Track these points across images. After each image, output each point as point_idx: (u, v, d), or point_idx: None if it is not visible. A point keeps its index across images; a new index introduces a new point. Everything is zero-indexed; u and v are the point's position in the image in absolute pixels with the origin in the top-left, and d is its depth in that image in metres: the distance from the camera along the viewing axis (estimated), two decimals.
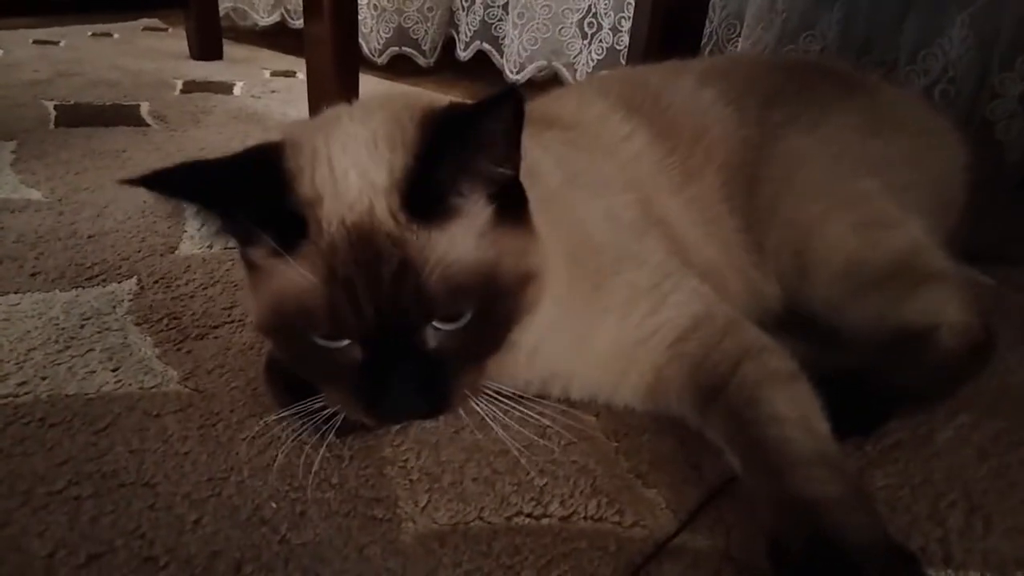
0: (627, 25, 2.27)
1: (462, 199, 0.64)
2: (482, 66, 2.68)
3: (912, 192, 0.98)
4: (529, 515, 0.72)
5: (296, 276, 0.62)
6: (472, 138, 0.61)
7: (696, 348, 0.80)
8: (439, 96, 0.73)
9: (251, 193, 0.62)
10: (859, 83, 1.13)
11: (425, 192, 0.62)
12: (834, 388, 0.80)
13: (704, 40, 1.97)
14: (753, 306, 0.96)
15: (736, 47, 2.04)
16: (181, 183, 0.62)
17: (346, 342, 0.64)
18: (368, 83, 2.13)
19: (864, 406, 0.84)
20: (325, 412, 0.72)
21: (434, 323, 0.64)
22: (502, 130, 0.62)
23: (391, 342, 0.63)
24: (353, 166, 0.63)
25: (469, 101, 0.75)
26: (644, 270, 0.85)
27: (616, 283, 0.83)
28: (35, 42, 3.00)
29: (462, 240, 0.64)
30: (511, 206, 0.69)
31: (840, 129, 1.02)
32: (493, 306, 0.67)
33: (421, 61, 2.81)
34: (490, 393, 0.74)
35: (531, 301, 0.71)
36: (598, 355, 0.82)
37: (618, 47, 2.32)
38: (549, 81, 2.55)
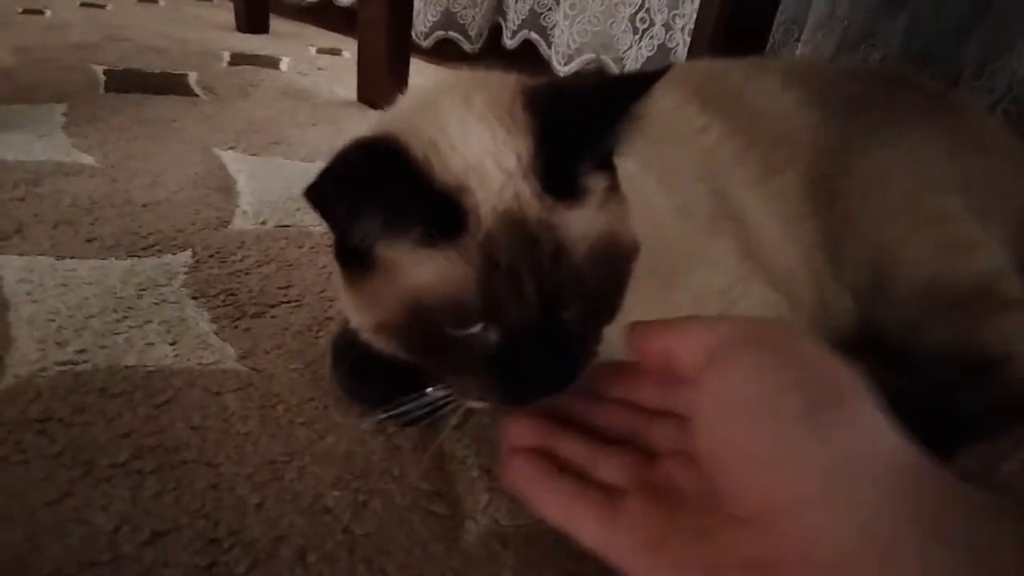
0: (680, 23, 2.25)
1: (587, 174, 0.63)
2: (527, 55, 2.65)
3: (993, 216, 0.96)
4: None
5: (447, 267, 0.58)
6: (598, 113, 0.61)
7: None
8: (514, 76, 0.70)
9: (393, 182, 0.58)
10: (944, 100, 1.10)
11: (559, 173, 0.61)
12: (900, 411, 0.78)
13: None
14: (824, 321, 0.94)
15: (794, 52, 2.00)
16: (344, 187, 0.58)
17: (479, 327, 0.60)
18: (413, 66, 2.11)
19: (931, 432, 0.81)
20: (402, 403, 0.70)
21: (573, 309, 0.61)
22: (628, 110, 0.60)
23: (539, 327, 0.59)
24: (484, 153, 0.60)
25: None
26: (716, 272, 0.83)
27: (687, 282, 0.81)
28: (82, 4, 3.01)
29: (592, 214, 0.62)
30: (611, 173, 0.66)
31: (923, 145, 0.99)
32: (615, 273, 0.64)
33: (466, 47, 2.79)
34: None
35: (632, 262, 0.67)
36: None
37: (669, 45, 2.29)
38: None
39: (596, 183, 0.63)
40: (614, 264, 0.64)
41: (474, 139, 0.61)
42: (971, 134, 1.04)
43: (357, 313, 0.67)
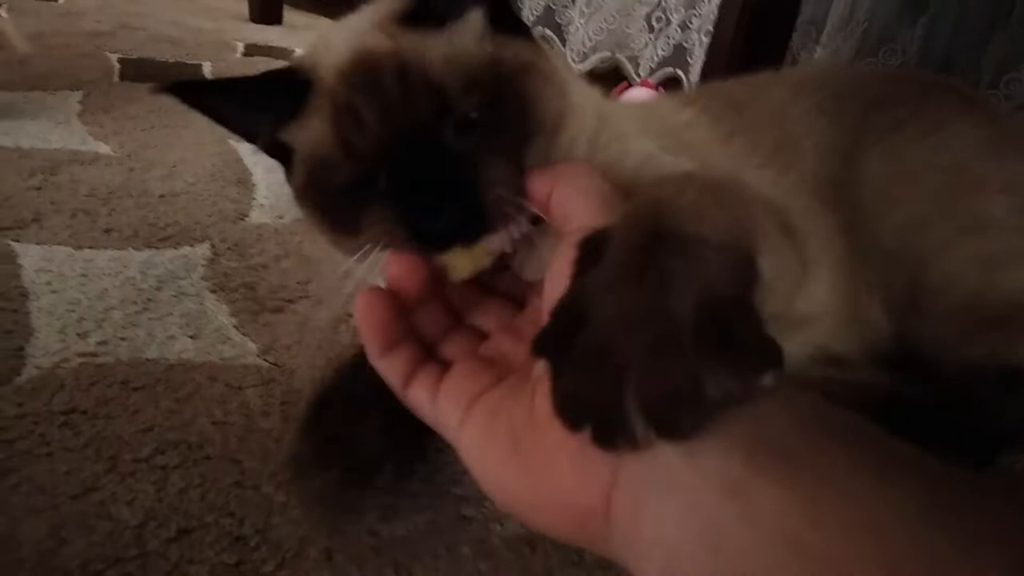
0: (697, 23, 2.23)
1: (455, 12, 0.64)
2: None
3: None
4: None
5: (310, 129, 0.63)
6: None
7: None
8: None
9: (268, 82, 0.66)
10: (976, 98, 1.00)
11: (416, 10, 0.64)
12: (933, 424, 0.77)
13: None
14: (855, 333, 0.89)
15: (813, 54, 1.99)
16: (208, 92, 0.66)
17: (358, 174, 0.62)
18: None
19: (965, 446, 0.80)
20: None
21: (454, 126, 0.60)
22: None
23: (413, 155, 0.59)
24: (345, 29, 0.66)
25: None
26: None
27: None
28: None
29: (459, 38, 0.63)
30: (508, 24, 0.66)
31: (957, 139, 0.89)
32: (504, 98, 0.62)
33: None
34: None
35: (550, 99, 0.65)
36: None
37: (686, 44, 2.28)
38: (610, 73, 2.51)
39: (470, 18, 0.64)
40: (496, 81, 0.62)
41: (344, 31, 0.67)
42: (1010, 133, 0.94)
43: (294, 201, 0.71)
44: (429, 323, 0.63)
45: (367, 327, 0.59)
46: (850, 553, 0.35)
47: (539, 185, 0.58)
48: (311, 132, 0.63)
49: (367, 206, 0.62)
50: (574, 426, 0.42)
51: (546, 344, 0.46)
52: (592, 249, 0.49)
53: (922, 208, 0.87)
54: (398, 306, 0.60)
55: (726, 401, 0.40)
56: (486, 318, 0.66)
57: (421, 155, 0.59)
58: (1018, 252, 0.84)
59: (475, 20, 0.64)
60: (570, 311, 0.46)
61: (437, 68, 0.60)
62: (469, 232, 0.60)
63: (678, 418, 0.40)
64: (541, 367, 0.47)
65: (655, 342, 0.41)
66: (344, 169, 0.62)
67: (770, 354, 0.41)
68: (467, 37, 0.63)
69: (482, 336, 0.64)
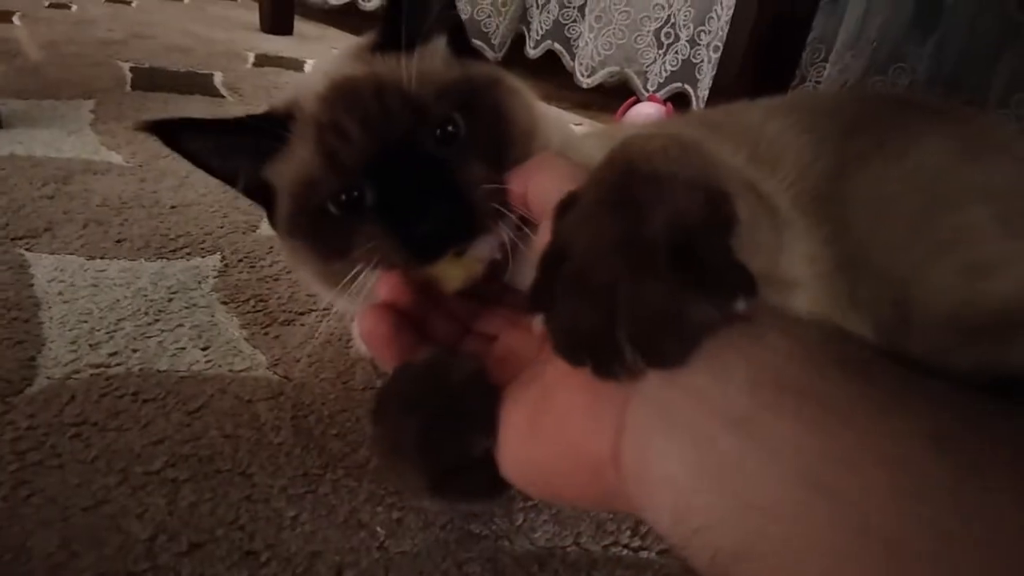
0: (705, 39, 2.24)
1: (421, 38, 0.68)
2: (550, 65, 2.66)
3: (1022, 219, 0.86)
4: (626, 546, 0.71)
5: (294, 156, 0.66)
6: None
7: None
8: None
9: (250, 123, 0.68)
10: (947, 109, 1.02)
11: (388, 33, 0.67)
12: None
13: None
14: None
15: (822, 72, 1.99)
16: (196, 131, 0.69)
17: (343, 194, 0.64)
18: None
19: None
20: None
21: (435, 137, 0.63)
22: None
23: (399, 167, 0.62)
24: (319, 69, 0.72)
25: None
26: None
27: None
28: (108, 1, 3.02)
29: (428, 59, 0.67)
30: (467, 49, 0.72)
31: (933, 154, 0.90)
32: (479, 111, 0.66)
33: (489, 54, 2.78)
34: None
35: (521, 110, 0.69)
36: None
37: (694, 60, 2.29)
38: (618, 87, 2.52)
39: (436, 42, 0.69)
40: (471, 94, 0.66)
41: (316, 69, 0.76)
42: (988, 138, 0.95)
43: (281, 241, 0.73)
44: (438, 332, 0.64)
45: (377, 341, 0.60)
46: (869, 489, 0.35)
47: (517, 182, 0.60)
48: (295, 160, 0.66)
49: (357, 226, 0.63)
50: (575, 360, 0.42)
51: (538, 296, 0.46)
52: (568, 204, 0.50)
53: (905, 226, 0.87)
54: (403, 319, 0.61)
55: (705, 326, 0.40)
56: (491, 324, 0.66)
57: (404, 163, 0.62)
58: (1000, 259, 0.84)
59: (440, 44, 0.70)
60: (553, 256, 0.47)
61: (414, 85, 0.64)
62: (458, 235, 0.61)
63: (662, 344, 0.40)
64: (539, 322, 0.46)
65: (634, 267, 0.42)
66: (332, 185, 0.64)
67: (743, 281, 0.41)
68: (436, 58, 0.68)
69: (491, 340, 0.64)
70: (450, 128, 0.64)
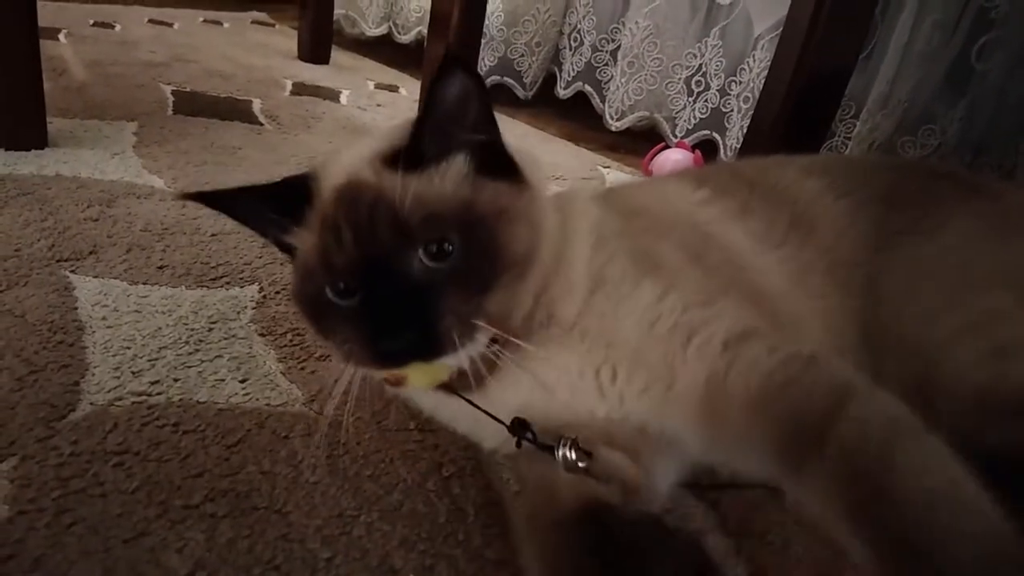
0: (736, 89, 2.27)
1: (437, 157, 0.71)
2: (579, 106, 2.69)
3: None
4: None
5: (304, 239, 0.73)
6: (435, 106, 0.69)
7: (763, 354, 0.69)
8: None
9: (280, 190, 0.75)
10: (978, 185, 1.03)
11: (408, 149, 0.70)
12: None
13: None
14: None
15: (851, 128, 2.01)
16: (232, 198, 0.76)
17: (349, 300, 0.69)
18: None
19: None
20: None
21: (421, 258, 0.67)
22: (460, 98, 0.69)
23: (380, 279, 0.67)
24: (354, 151, 0.75)
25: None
26: (705, 272, 0.82)
27: (670, 258, 0.80)
28: (150, 21, 3.09)
29: (437, 181, 0.70)
30: (496, 167, 0.73)
31: (963, 235, 0.92)
32: (473, 237, 0.69)
33: (520, 93, 2.83)
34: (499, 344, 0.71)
35: (519, 241, 0.71)
36: (636, 339, 0.74)
37: (724, 109, 2.31)
38: (646, 131, 2.55)
39: (453, 163, 0.71)
40: (467, 223, 0.69)
41: (353, 148, 0.77)
42: (1015, 218, 0.96)
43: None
44: None
45: None
46: None
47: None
48: (305, 241, 0.73)
49: (342, 319, 0.70)
50: None
51: None
52: None
53: (934, 304, 0.89)
54: None
55: None
56: None
57: (385, 279, 0.68)
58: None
59: (458, 163, 0.72)
60: None
61: (404, 205, 0.67)
62: (423, 354, 0.68)
63: None
64: None
65: None
66: (324, 280, 0.70)
67: None
68: (446, 180, 0.71)
69: None
70: (436, 249, 0.67)
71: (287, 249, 0.77)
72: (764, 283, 0.89)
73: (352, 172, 0.72)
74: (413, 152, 0.70)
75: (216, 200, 0.75)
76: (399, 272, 0.67)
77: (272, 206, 0.75)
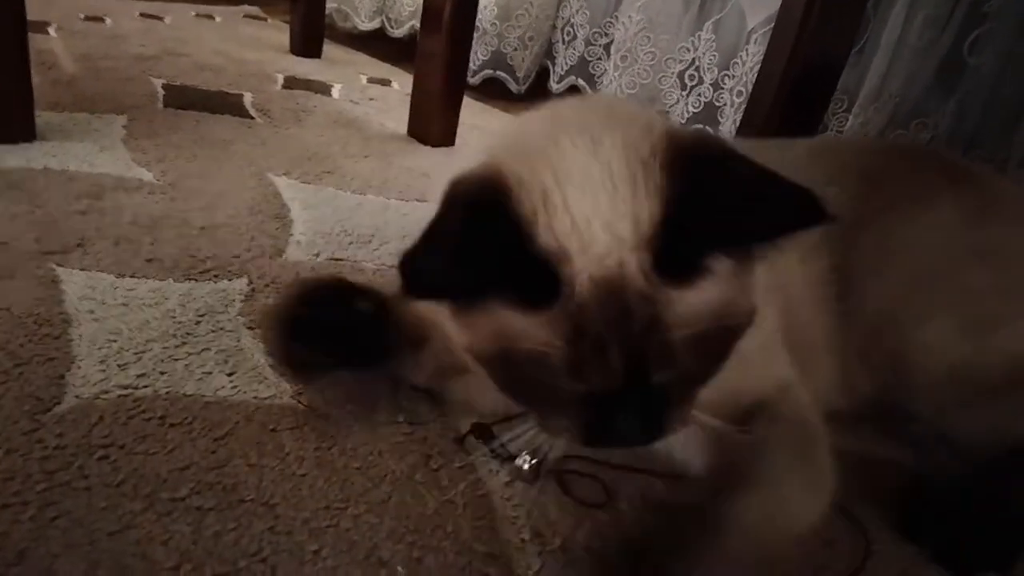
0: (729, 83, 2.27)
1: (714, 257, 0.60)
2: None
3: None
4: None
5: (536, 328, 0.59)
6: (749, 213, 0.57)
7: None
8: (658, 116, 0.68)
9: (490, 248, 0.58)
10: (967, 171, 1.03)
11: (679, 252, 0.58)
12: (950, 513, 0.80)
13: None
14: (846, 396, 0.91)
15: (844, 122, 2.01)
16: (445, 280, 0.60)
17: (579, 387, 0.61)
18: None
19: (989, 536, 0.80)
20: None
21: (661, 377, 0.61)
22: (785, 234, 0.58)
23: (625, 396, 0.60)
24: (596, 215, 0.58)
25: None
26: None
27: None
28: (141, 15, 3.07)
29: (709, 295, 0.60)
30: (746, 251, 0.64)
31: (945, 217, 0.92)
32: (718, 344, 0.63)
33: (513, 87, 2.82)
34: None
35: (736, 344, 0.66)
36: None
37: (717, 103, 2.31)
38: None
39: (724, 265, 0.60)
40: (720, 340, 0.63)
41: (590, 197, 0.58)
42: (1000, 204, 0.96)
43: (454, 326, 0.68)
44: None
45: None
46: None
47: None
48: (537, 330, 0.59)
49: (560, 398, 0.62)
50: None
51: None
52: None
53: (908, 280, 0.89)
54: None
55: None
56: None
57: (632, 392, 0.60)
58: (1002, 319, 0.85)
59: (728, 268, 0.61)
60: None
61: (682, 336, 0.59)
62: (640, 444, 0.67)
63: None
64: None
65: None
66: (565, 382, 0.60)
67: None
68: (716, 291, 0.60)
69: None
70: (684, 369, 0.61)
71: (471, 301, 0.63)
72: (798, 315, 0.90)
73: (615, 268, 0.57)
74: (687, 253, 0.59)
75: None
76: (646, 394, 0.60)
77: (484, 260, 0.59)
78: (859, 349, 0.90)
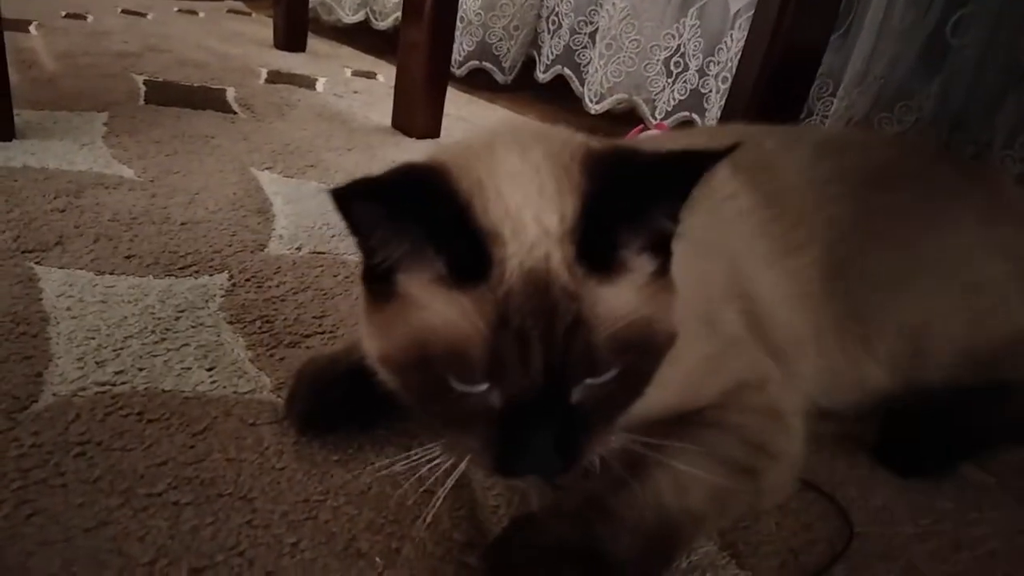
0: (715, 69, 2.26)
1: (630, 252, 0.61)
2: (559, 89, 2.68)
3: None
4: None
5: (459, 314, 0.58)
6: (653, 189, 0.59)
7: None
8: (580, 136, 0.70)
9: (435, 210, 0.57)
10: (979, 173, 1.10)
11: (598, 244, 0.59)
12: (903, 422, 0.91)
13: None
14: (837, 386, 0.95)
15: (829, 106, 2.01)
16: (376, 195, 0.57)
17: (484, 387, 0.59)
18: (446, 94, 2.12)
19: (937, 447, 0.91)
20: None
21: (588, 383, 0.60)
22: (684, 191, 0.59)
23: (539, 395, 0.58)
24: (526, 206, 0.59)
25: (620, 142, 0.75)
26: (713, 340, 0.82)
27: (688, 351, 0.74)
28: (123, 12, 3.05)
29: (627, 295, 0.60)
30: (664, 260, 0.65)
31: (959, 218, 0.98)
32: (641, 363, 0.63)
33: (499, 77, 2.81)
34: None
35: (660, 362, 0.66)
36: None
37: (703, 90, 2.31)
38: (626, 114, 2.54)
39: (641, 265, 0.62)
40: (641, 353, 0.63)
41: (521, 189, 0.60)
42: (1011, 206, 1.04)
43: (368, 338, 0.67)
44: None
45: None
46: None
47: None
48: (462, 318, 0.58)
49: (466, 410, 0.60)
50: None
51: None
52: None
53: (928, 287, 0.96)
54: None
55: None
56: None
57: (547, 403, 0.58)
58: (1007, 304, 0.95)
59: (645, 270, 0.62)
60: None
61: (604, 337, 0.58)
62: (552, 476, 0.70)
63: None
64: None
65: None
66: (475, 376, 0.59)
67: None
68: (633, 293, 0.61)
69: None
70: (600, 380, 0.60)
71: (382, 275, 0.62)
72: (771, 314, 0.91)
73: (542, 259, 0.58)
74: (606, 245, 0.59)
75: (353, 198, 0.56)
76: (564, 395, 0.59)
77: (418, 230, 0.58)
78: (885, 354, 0.95)
